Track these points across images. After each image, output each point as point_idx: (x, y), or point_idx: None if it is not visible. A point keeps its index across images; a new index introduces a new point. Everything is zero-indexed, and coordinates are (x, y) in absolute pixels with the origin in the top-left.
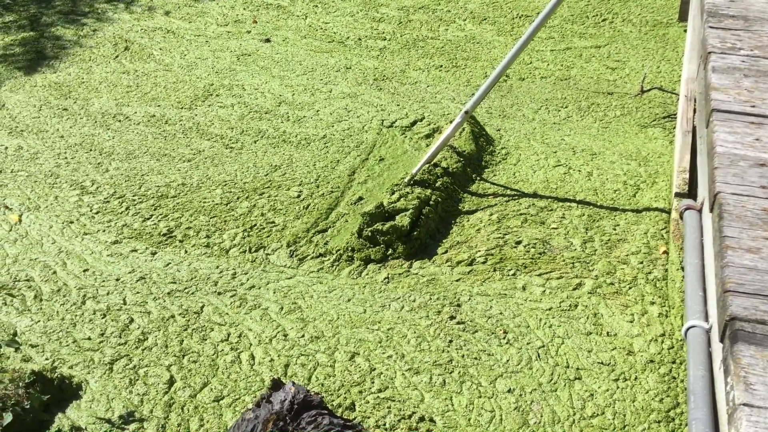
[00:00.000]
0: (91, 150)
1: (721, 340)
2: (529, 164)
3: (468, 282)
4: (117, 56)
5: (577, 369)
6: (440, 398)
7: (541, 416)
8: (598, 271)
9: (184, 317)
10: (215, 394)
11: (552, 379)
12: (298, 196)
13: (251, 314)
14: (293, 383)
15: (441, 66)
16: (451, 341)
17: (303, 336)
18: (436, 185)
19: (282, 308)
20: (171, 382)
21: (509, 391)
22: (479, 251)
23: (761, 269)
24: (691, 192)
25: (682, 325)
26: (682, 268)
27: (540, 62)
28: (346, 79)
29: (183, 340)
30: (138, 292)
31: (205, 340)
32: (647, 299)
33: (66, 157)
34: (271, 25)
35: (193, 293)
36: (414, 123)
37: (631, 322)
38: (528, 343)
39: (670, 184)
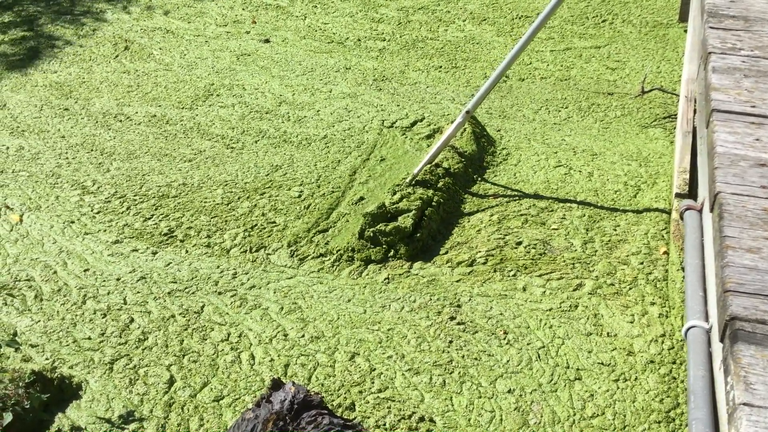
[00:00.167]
0: (92, 150)
1: (721, 340)
2: (529, 165)
3: (468, 283)
4: (117, 56)
5: (578, 369)
6: (440, 398)
7: (541, 416)
8: (598, 271)
9: (184, 317)
10: (215, 394)
11: (552, 380)
12: (299, 196)
13: (251, 314)
14: (293, 383)
15: (440, 67)
16: (451, 342)
17: (303, 336)
18: (438, 186)
19: (282, 308)
20: (171, 381)
21: (509, 391)
22: (480, 252)
23: (761, 269)
24: (692, 192)
25: (683, 325)
26: (683, 269)
27: (540, 62)
28: (346, 80)
29: (183, 340)
30: (138, 292)
31: (206, 339)
32: (647, 300)
33: (67, 157)
34: (270, 26)
35: (193, 293)
36: (414, 123)
37: (632, 322)
38: (528, 344)
39: (670, 185)
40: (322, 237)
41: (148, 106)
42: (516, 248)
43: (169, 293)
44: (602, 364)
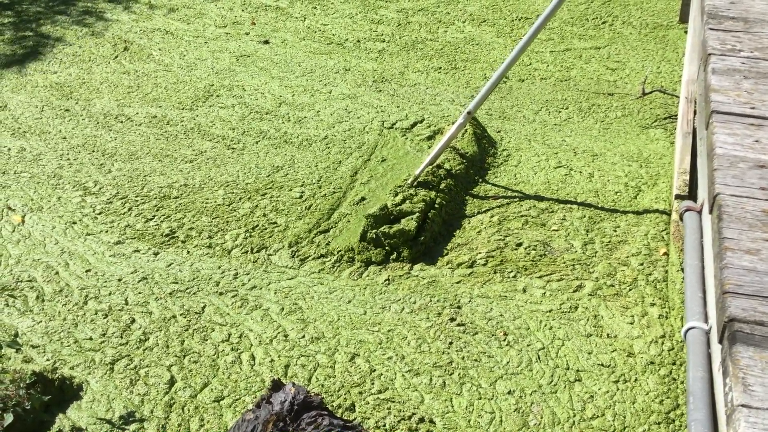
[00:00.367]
0: (93, 151)
1: (720, 342)
2: (530, 166)
3: (468, 284)
4: (116, 56)
5: (578, 371)
6: (440, 399)
7: (541, 418)
8: (598, 272)
9: (185, 317)
10: (216, 395)
11: (552, 381)
12: (300, 197)
13: (252, 315)
14: (293, 384)
15: (440, 68)
16: (451, 343)
17: (303, 337)
18: (440, 187)
19: (283, 309)
20: (172, 382)
21: (509, 392)
22: (480, 253)
23: (760, 270)
24: (692, 193)
25: (682, 326)
26: (683, 270)
27: (540, 63)
28: (346, 81)
29: (184, 341)
30: (140, 293)
31: (206, 340)
32: (647, 301)
33: (69, 158)
34: (269, 27)
35: (194, 293)
36: (414, 125)
37: (632, 323)
38: (528, 345)
39: (671, 186)
40: (323, 238)
41: (148, 106)
42: (516, 249)
43: (170, 294)
44: (602, 365)
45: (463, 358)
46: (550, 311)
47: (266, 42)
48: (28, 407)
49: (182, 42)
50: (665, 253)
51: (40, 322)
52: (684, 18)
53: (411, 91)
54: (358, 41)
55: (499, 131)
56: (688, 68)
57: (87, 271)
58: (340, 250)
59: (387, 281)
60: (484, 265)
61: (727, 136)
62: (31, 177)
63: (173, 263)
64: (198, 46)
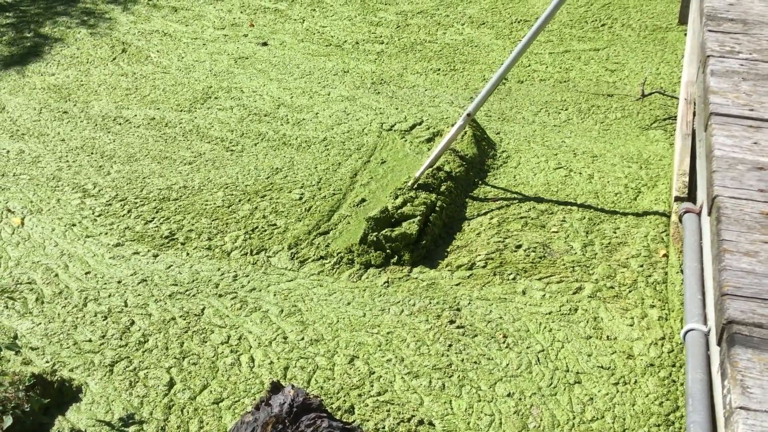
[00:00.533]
0: (92, 153)
1: (719, 344)
2: (529, 167)
3: (468, 286)
4: (114, 58)
5: (577, 373)
6: (439, 402)
7: (541, 420)
8: (598, 274)
9: (184, 319)
10: (215, 397)
11: (552, 383)
12: (300, 199)
13: (251, 317)
14: (292, 386)
15: (439, 69)
16: (450, 345)
17: (303, 339)
18: (441, 190)
19: (282, 311)
20: (171, 384)
21: (509, 395)
22: (479, 255)
23: (759, 272)
24: (691, 195)
25: (682, 328)
26: (682, 271)
27: (539, 65)
28: (344, 83)
29: (183, 343)
30: (139, 295)
31: (206, 342)
32: (647, 302)
33: (67, 161)
34: (268, 29)
35: (194, 295)
36: (413, 126)
37: (631, 325)
38: (528, 348)
39: (670, 187)
40: (322, 239)
41: (146, 108)
42: (516, 251)
43: (169, 296)
44: (602, 367)
45: (462, 360)
46: (549, 313)
47: (264, 44)
48: (28, 409)
49: (180, 44)
50: (665, 255)
51: (40, 324)
52: (683, 19)
53: (410, 93)
54: (357, 43)
55: (498, 133)
56: (687, 70)
57: (86, 273)
58: (339, 252)
59: (386, 283)
60: (484, 267)
61: (726, 138)
62: (30, 179)
63: (173, 265)
64: (196, 48)
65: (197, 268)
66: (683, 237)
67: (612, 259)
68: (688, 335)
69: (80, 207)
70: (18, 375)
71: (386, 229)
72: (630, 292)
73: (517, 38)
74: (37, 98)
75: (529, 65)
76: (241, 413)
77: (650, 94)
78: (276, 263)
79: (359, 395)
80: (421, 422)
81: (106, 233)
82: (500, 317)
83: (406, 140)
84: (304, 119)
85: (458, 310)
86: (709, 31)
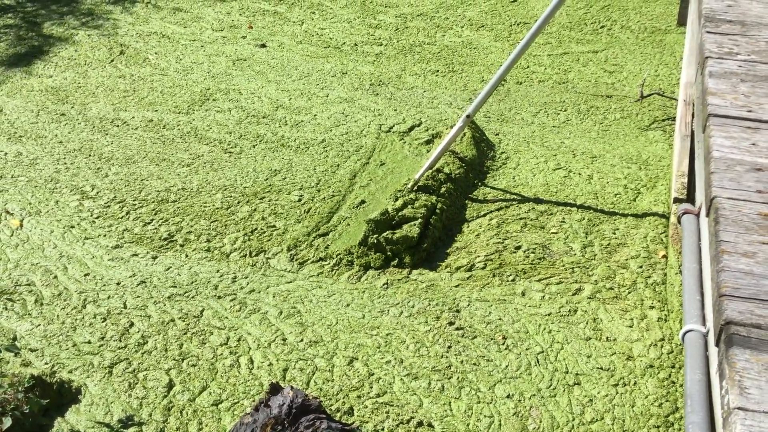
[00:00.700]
0: (90, 155)
1: (717, 345)
2: (528, 168)
3: (467, 288)
4: (112, 60)
5: (577, 374)
6: (439, 403)
7: (540, 422)
8: (597, 275)
9: (183, 321)
10: (214, 398)
11: (551, 385)
12: (299, 200)
13: (250, 318)
14: (291, 387)
15: (437, 71)
16: (449, 347)
17: (302, 340)
18: (441, 192)
19: (281, 312)
20: (170, 385)
21: (508, 396)
22: (479, 257)
23: (757, 273)
24: (690, 196)
25: (681, 329)
26: (681, 273)
27: (537, 66)
28: (342, 84)
29: (182, 344)
30: (138, 296)
31: (205, 344)
32: (646, 304)
33: (65, 163)
34: (267, 31)
35: (193, 297)
36: (412, 128)
37: (631, 326)
38: (527, 349)
39: (669, 188)
40: (322, 241)
41: (144, 110)
42: (515, 253)
43: (168, 297)
44: (601, 368)
45: (461, 362)
46: (549, 315)
47: (263, 45)
48: (27, 411)
49: (178, 46)
50: (664, 256)
51: (39, 325)
52: (682, 21)
53: (408, 95)
54: (356, 45)
55: (497, 134)
56: (686, 71)
57: (85, 274)
58: (339, 254)
59: (386, 285)
60: (483, 268)
61: (724, 140)
62: (28, 181)
63: (172, 267)
64: (194, 49)
65: (196, 269)
66: (682, 238)
67: (611, 260)
68: (687, 336)
69: (78, 209)
70: (17, 376)
71: (387, 232)
72: (629, 293)
73: (516, 41)
74: (34, 100)
75: (528, 67)
76: (240, 414)
77: (649, 95)
78: (275, 265)
79: (358, 397)
80: (420, 424)
81: (105, 235)
82: (499, 319)
83: (404, 142)
84: (302, 121)
85: (458, 311)
86: (708, 32)
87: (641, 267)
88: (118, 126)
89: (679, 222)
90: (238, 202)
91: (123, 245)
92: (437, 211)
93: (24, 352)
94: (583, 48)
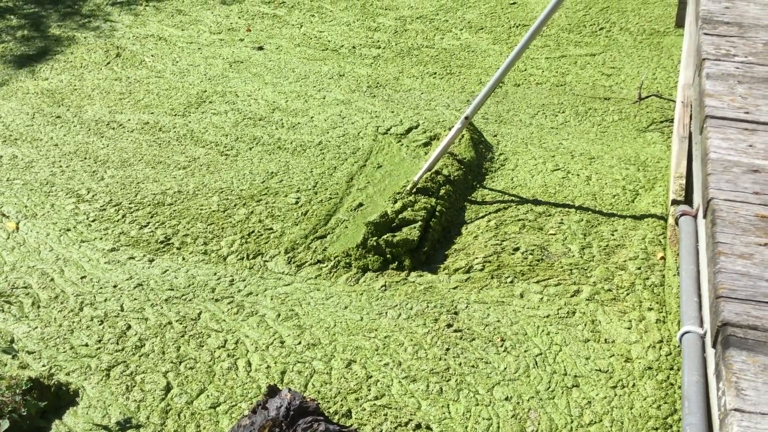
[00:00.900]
0: (85, 158)
1: (714, 346)
2: (527, 169)
3: (465, 290)
4: (108, 63)
5: (575, 376)
6: (437, 406)
7: (539, 424)
8: (596, 277)
9: (181, 324)
10: (212, 401)
11: (549, 387)
12: (296, 203)
13: (248, 321)
14: (289, 390)
15: (435, 73)
16: (448, 349)
17: (300, 343)
18: (440, 194)
19: (279, 315)
20: (168, 388)
21: (506, 398)
22: (477, 258)
23: (753, 275)
24: (688, 198)
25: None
26: (679, 274)
27: (535, 69)
28: (340, 86)
29: (180, 347)
30: (135, 299)
31: (202, 346)
32: (645, 305)
33: (61, 166)
34: (265, 34)
35: (190, 300)
36: (409, 130)
37: (629, 328)
38: (525, 351)
39: (668, 189)
40: (319, 243)
41: (140, 113)
42: (513, 254)
43: (165, 300)
44: (600, 370)
45: (460, 364)
46: (547, 316)
47: (260, 48)
48: (24, 413)
49: (175, 48)
50: (662, 258)
51: (36, 328)
52: (680, 22)
53: (406, 97)
54: (353, 47)
55: (495, 135)
56: (684, 73)
57: (82, 277)
58: (337, 256)
59: (384, 287)
60: (481, 270)
61: (721, 141)
62: (24, 184)
63: (168, 270)
64: (191, 52)
65: (193, 272)
66: (680, 240)
67: (610, 262)
68: (685, 338)
69: (74, 212)
70: (15, 379)
71: (387, 234)
72: (628, 294)
73: (515, 43)
74: (30, 103)
75: (525, 69)
76: (237, 417)
77: (647, 97)
78: (273, 267)
79: (356, 399)
80: (418, 426)
81: (101, 238)
82: (498, 321)
83: (402, 144)
84: (299, 123)
85: (456, 313)
86: (705, 34)
87: (639, 268)
88: (113, 129)
89: (676, 223)
90: (235, 205)
91: (119, 248)
92: (437, 213)
93: (21, 355)
94: (581, 51)
